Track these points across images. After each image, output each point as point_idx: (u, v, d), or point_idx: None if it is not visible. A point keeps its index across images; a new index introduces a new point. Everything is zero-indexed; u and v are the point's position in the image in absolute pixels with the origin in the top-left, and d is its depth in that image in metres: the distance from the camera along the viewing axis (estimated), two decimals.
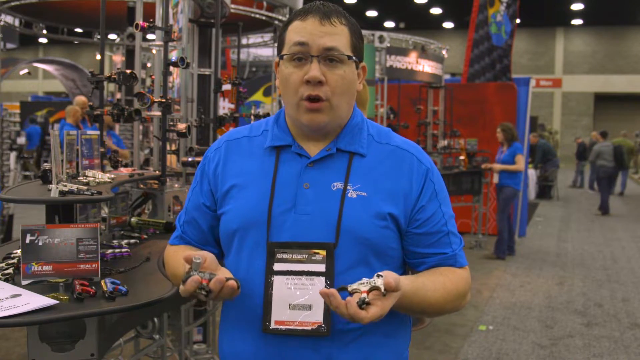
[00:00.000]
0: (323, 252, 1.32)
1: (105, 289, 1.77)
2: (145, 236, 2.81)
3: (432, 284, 1.37)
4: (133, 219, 2.88)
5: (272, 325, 1.32)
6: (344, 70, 1.35)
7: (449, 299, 1.39)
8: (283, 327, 1.31)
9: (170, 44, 3.22)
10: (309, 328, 1.31)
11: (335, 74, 1.34)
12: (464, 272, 1.46)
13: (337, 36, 1.34)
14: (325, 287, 1.30)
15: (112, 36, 8.73)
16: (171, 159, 3.67)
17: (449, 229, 1.43)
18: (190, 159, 3.29)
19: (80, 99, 7.89)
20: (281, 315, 1.31)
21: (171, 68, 3.26)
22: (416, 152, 1.44)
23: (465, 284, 1.44)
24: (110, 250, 2.35)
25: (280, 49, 1.40)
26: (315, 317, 1.30)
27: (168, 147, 3.24)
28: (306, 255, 1.32)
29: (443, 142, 8.32)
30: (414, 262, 1.44)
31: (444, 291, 1.38)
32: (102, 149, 2.96)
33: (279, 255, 1.33)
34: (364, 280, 1.23)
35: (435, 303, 1.37)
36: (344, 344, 1.35)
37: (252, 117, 4.73)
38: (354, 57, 1.38)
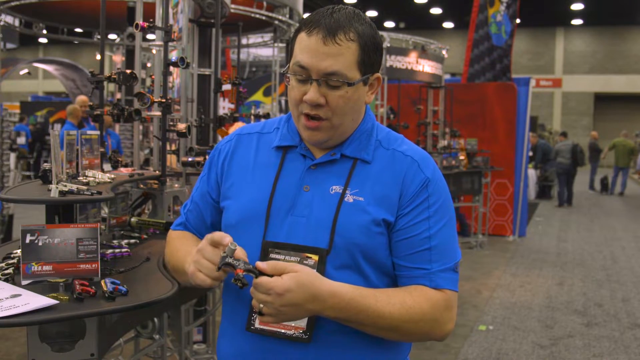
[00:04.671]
0: (315, 257, 1.30)
1: (105, 289, 1.77)
2: (145, 236, 2.81)
3: (387, 296, 1.27)
4: (133, 219, 2.88)
5: (257, 325, 1.31)
6: (345, 91, 1.30)
7: (407, 318, 1.26)
8: (266, 328, 1.31)
9: (170, 44, 3.22)
10: (291, 332, 1.29)
11: (336, 96, 1.30)
12: (435, 294, 1.30)
13: (341, 57, 1.27)
14: None
15: (112, 36, 8.73)
16: (171, 159, 3.66)
17: (431, 245, 1.31)
18: (190, 159, 3.29)
19: (81, 98, 7.91)
20: None
21: (171, 68, 3.26)
22: (420, 160, 1.37)
23: (431, 306, 1.28)
24: (110, 250, 2.35)
25: (290, 56, 1.36)
26: (298, 322, 1.28)
27: (168, 147, 3.24)
28: (298, 259, 1.31)
29: (443, 142, 8.32)
30: (397, 275, 1.36)
31: (401, 306, 1.26)
32: (102, 149, 2.96)
33: (272, 255, 1.32)
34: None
35: (388, 317, 1.25)
36: (329, 352, 1.31)
37: (252, 117, 4.73)
38: (358, 80, 1.31)
